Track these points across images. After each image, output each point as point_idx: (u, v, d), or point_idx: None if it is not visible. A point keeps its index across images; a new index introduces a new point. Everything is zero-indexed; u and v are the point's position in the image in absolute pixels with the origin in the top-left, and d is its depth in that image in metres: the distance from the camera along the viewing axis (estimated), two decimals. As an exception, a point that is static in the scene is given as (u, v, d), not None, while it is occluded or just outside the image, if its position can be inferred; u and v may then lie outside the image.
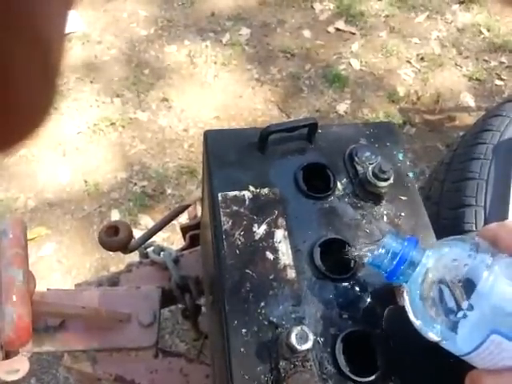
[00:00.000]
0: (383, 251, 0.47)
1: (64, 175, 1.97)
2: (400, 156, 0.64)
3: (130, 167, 2.03)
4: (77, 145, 2.04)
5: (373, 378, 0.47)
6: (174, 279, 0.89)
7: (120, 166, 2.03)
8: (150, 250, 0.96)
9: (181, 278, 0.90)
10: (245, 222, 0.56)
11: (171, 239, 1.85)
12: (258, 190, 0.58)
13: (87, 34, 2.38)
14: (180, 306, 1.01)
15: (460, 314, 0.40)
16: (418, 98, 2.41)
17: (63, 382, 1.55)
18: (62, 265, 1.79)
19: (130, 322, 0.83)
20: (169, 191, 1.99)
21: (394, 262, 0.46)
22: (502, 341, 0.38)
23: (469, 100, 2.42)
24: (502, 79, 2.53)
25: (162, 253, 0.94)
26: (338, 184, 0.60)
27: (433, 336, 0.43)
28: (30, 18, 0.17)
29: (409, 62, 2.53)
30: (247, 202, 0.57)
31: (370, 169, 0.58)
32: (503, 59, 2.61)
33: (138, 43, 2.39)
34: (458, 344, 0.41)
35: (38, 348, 0.79)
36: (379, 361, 0.48)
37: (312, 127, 0.61)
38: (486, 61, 2.61)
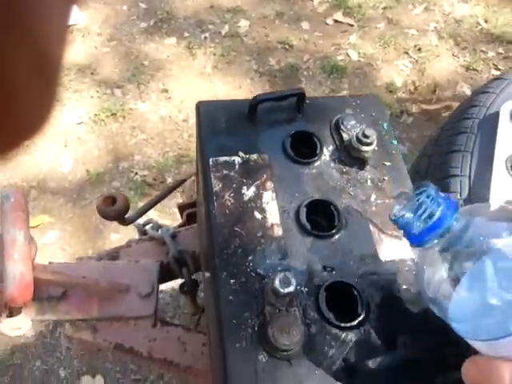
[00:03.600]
0: (417, 210, 0.40)
1: (66, 165, 2.00)
2: (385, 125, 0.67)
3: (131, 157, 2.06)
4: (78, 135, 2.07)
5: (354, 323, 0.50)
6: (172, 253, 0.92)
7: (121, 156, 2.06)
8: (148, 227, 0.99)
9: (178, 252, 0.93)
10: (234, 185, 0.59)
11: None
12: (247, 156, 0.61)
13: (88, 27, 2.42)
14: (178, 286, 1.04)
15: (488, 298, 0.35)
16: (416, 88, 2.43)
17: (67, 361, 1.58)
18: (65, 252, 1.83)
19: (129, 292, 0.86)
20: (169, 180, 2.02)
21: (427, 225, 0.39)
22: None
23: (466, 90, 2.44)
24: (498, 69, 2.55)
25: (159, 229, 0.97)
26: (325, 150, 0.63)
27: (444, 315, 0.39)
28: (32, 18, 0.17)
29: (406, 52, 2.56)
30: (237, 167, 0.60)
31: (354, 134, 0.61)
32: (500, 50, 2.64)
33: (138, 35, 2.42)
34: (478, 328, 0.36)
35: (40, 316, 0.82)
36: (360, 308, 0.51)
37: (300, 97, 0.64)
38: (483, 51, 2.64)
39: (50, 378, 1.55)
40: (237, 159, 0.61)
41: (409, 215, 0.40)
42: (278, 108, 0.65)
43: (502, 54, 2.62)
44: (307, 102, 0.67)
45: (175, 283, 1.77)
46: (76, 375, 1.56)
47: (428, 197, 0.40)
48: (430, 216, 0.39)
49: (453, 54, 2.59)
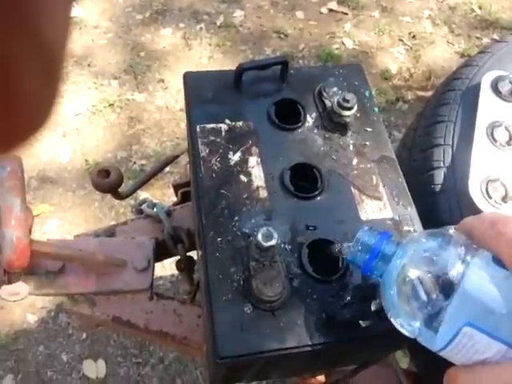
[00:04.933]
0: (357, 245, 0.47)
1: (65, 155, 2.02)
2: (366, 93, 0.69)
3: (129, 146, 2.09)
4: (76, 126, 2.10)
5: (334, 277, 0.53)
6: (167, 229, 0.94)
7: (119, 146, 2.09)
8: (144, 206, 1.02)
9: (173, 229, 0.95)
10: (221, 151, 0.61)
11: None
12: (233, 123, 0.63)
13: (84, 20, 2.44)
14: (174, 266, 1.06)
15: (433, 308, 0.40)
16: (411, 75, 2.45)
17: (69, 346, 1.61)
18: (65, 240, 1.85)
19: (126, 267, 0.88)
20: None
21: (367, 256, 0.46)
22: (475, 333, 0.38)
23: (460, 75, 2.45)
24: (493, 55, 2.56)
25: (155, 207, 0.99)
26: (308, 117, 0.65)
27: (407, 332, 0.43)
28: (35, 12, 0.17)
29: (401, 40, 2.57)
30: (223, 133, 0.63)
31: (335, 100, 0.63)
32: (495, 36, 2.65)
33: (134, 27, 2.44)
34: (433, 339, 0.41)
35: (38, 291, 0.85)
36: (340, 263, 0.53)
37: (284, 65, 0.66)
38: (478, 38, 2.65)
39: (53, 363, 1.58)
40: (223, 126, 0.63)
41: (353, 251, 0.48)
42: (263, 78, 0.67)
43: (496, 39, 2.64)
44: (291, 71, 0.69)
45: (174, 277, 1.80)
46: (78, 359, 1.58)
47: (363, 232, 0.48)
48: (368, 247, 0.47)
49: (447, 41, 2.61)
